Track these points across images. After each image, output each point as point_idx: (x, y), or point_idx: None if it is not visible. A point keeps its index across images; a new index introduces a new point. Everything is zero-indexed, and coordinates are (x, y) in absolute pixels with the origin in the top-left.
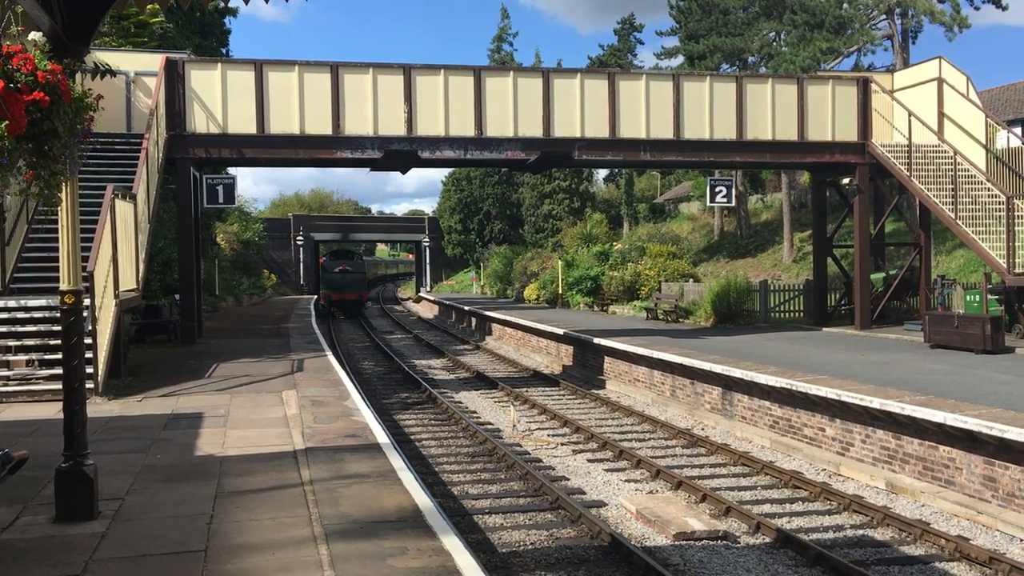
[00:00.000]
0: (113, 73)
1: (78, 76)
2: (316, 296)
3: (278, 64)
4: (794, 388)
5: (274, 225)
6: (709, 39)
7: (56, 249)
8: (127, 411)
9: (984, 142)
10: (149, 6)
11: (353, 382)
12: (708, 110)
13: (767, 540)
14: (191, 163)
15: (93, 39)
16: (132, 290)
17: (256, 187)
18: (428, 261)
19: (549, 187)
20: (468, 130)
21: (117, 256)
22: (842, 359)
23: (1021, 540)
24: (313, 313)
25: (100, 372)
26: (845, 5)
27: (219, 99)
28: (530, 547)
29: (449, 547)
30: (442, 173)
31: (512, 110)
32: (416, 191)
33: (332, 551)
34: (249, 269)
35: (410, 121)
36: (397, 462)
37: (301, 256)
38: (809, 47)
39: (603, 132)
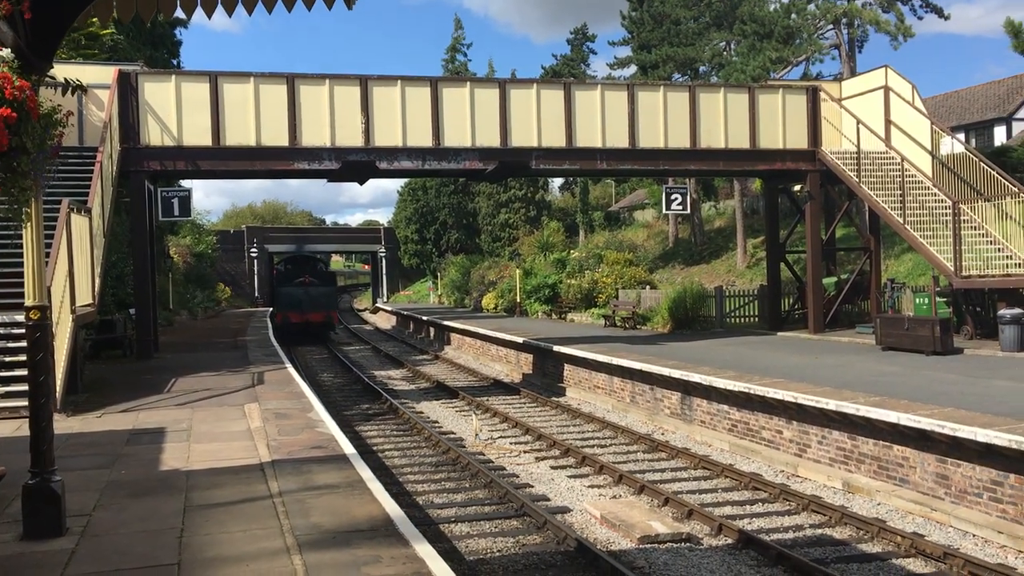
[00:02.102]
0: (84, 89)
1: (48, 92)
2: (272, 310)
3: (233, 76)
4: (752, 392)
5: (227, 237)
6: (661, 49)
7: (8, 264)
8: (87, 427)
9: (930, 148)
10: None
11: (315, 394)
12: (662, 119)
13: (729, 541)
14: (145, 176)
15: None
16: (88, 305)
17: (208, 199)
18: (384, 272)
19: (505, 196)
20: (426, 140)
21: (73, 271)
22: (797, 362)
23: (974, 536)
24: (270, 326)
25: (58, 388)
26: (793, 15)
27: (173, 111)
28: (497, 554)
29: (423, 554)
30: (397, 183)
31: (469, 120)
32: (370, 201)
33: (306, 561)
34: (203, 282)
35: (367, 132)
36: (365, 472)
37: (256, 268)
38: (759, 56)
39: (560, 142)
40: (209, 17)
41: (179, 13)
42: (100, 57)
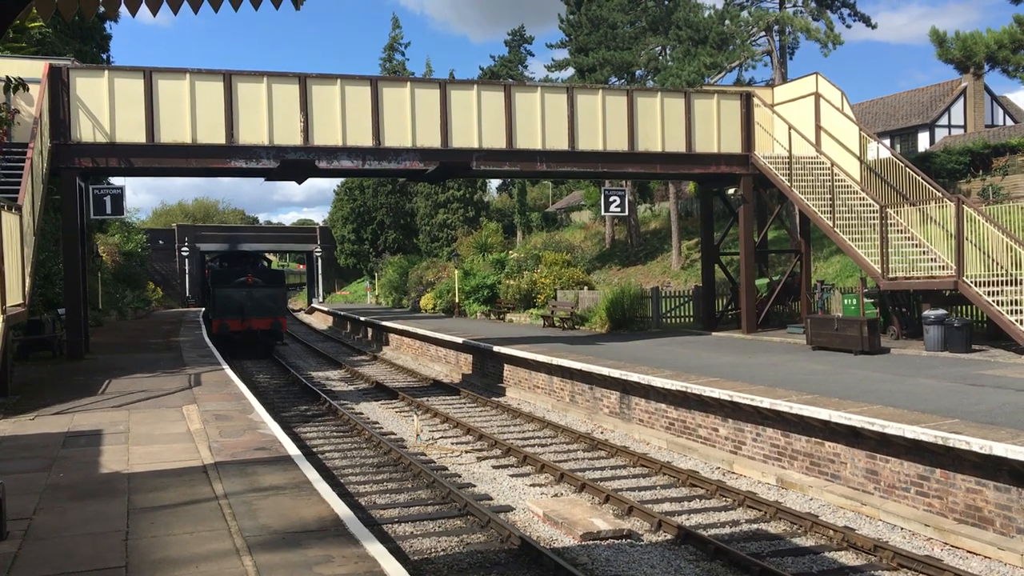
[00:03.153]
0: (26, 87)
1: None
2: (203, 311)
3: (168, 72)
4: (689, 391)
5: (157, 236)
6: (598, 52)
7: None
8: (20, 430)
9: (858, 154)
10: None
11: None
12: (601, 122)
13: (669, 537)
14: (77, 173)
15: None
16: (19, 305)
17: (136, 196)
18: (320, 271)
19: (443, 196)
20: (366, 140)
21: (4, 270)
22: (731, 362)
23: (902, 528)
24: (204, 326)
25: None
26: (727, 22)
27: (106, 107)
28: (442, 553)
29: (374, 553)
30: (334, 182)
31: (410, 120)
32: (305, 200)
33: (257, 562)
34: (132, 282)
35: (307, 131)
36: (311, 473)
37: (187, 267)
38: (694, 62)
39: (500, 143)
40: (154, 15)
41: (123, 11)
42: (28, 50)
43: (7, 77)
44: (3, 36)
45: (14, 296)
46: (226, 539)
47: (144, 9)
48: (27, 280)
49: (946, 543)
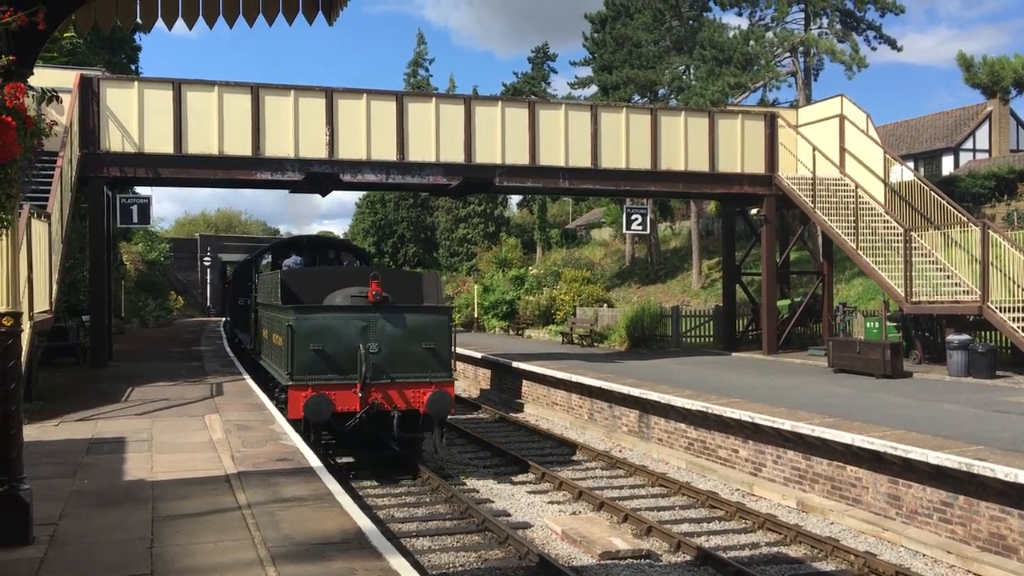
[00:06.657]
0: (59, 99)
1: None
2: (225, 320)
3: (197, 84)
4: (709, 411)
5: (180, 245)
6: (622, 71)
7: None
8: (45, 436)
9: (882, 176)
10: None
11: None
12: (624, 140)
13: (688, 558)
14: (104, 182)
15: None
16: (45, 312)
17: (159, 205)
18: None
19: (464, 211)
20: (390, 154)
21: (32, 277)
22: (752, 383)
23: (924, 555)
24: (224, 335)
25: None
26: (752, 43)
27: (135, 117)
28: (460, 569)
29: (397, 567)
30: (355, 195)
31: (434, 136)
32: (325, 212)
33: (281, 573)
34: (155, 290)
35: (332, 144)
36: (333, 485)
37: (208, 277)
38: (718, 81)
39: (523, 159)
40: (190, 28)
41: (160, 24)
42: (58, 60)
43: (41, 89)
44: (44, 43)
45: (41, 302)
46: (250, 549)
47: (179, 22)
48: (54, 287)
49: (969, 571)
